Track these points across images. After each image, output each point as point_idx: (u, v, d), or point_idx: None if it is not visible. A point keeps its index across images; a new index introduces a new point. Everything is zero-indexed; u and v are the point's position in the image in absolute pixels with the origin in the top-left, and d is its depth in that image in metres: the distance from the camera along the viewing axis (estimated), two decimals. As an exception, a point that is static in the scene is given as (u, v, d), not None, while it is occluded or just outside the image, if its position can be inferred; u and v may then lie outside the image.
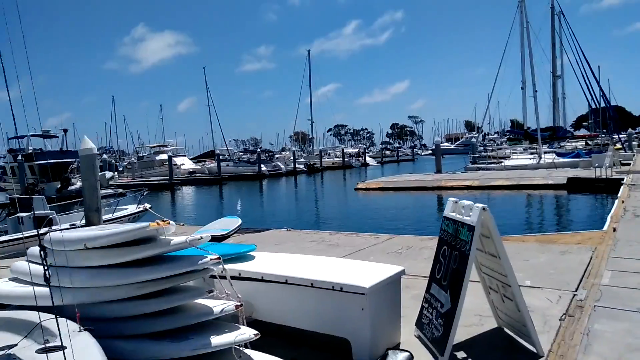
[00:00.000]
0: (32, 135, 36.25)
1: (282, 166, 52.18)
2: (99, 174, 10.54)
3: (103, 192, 33.04)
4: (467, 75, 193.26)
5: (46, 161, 33.12)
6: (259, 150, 53.09)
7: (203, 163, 57.32)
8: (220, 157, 54.65)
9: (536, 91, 31.17)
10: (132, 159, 54.43)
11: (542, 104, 60.69)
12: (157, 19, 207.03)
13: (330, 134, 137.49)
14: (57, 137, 36.18)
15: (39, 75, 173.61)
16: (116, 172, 51.58)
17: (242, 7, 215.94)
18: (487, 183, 21.26)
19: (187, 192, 37.16)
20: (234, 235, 9.54)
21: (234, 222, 10.62)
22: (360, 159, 66.39)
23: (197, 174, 51.03)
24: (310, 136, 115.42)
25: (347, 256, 6.87)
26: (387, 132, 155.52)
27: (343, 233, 9.10)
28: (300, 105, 67.63)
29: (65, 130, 36.16)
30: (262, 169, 48.95)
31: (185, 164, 55.13)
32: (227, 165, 52.13)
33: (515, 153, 33.33)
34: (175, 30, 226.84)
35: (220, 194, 35.12)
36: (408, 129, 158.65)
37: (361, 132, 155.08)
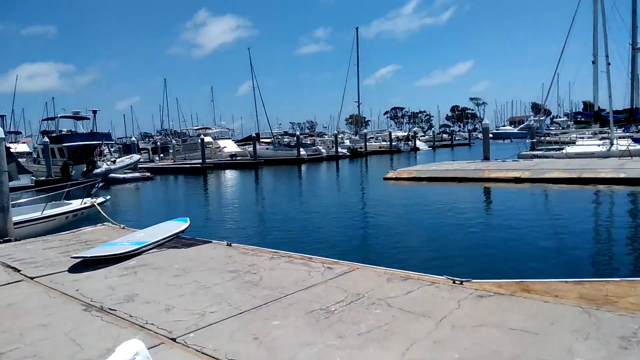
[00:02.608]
0: (63, 117, 36.13)
1: (323, 150, 49.50)
2: (6, 163, 8.39)
3: (130, 175, 32.31)
4: (535, 54, 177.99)
5: (75, 143, 32.56)
6: (297, 133, 50.51)
7: (246, 146, 55.85)
8: (267, 140, 53.06)
9: (609, 64, 26.13)
10: (173, 141, 53.81)
11: (619, 82, 53.23)
12: (218, 3, 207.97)
13: (387, 117, 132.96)
14: (88, 118, 35.68)
15: (111, 60, 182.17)
16: (160, 155, 51.29)
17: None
18: (539, 175, 17.46)
19: (218, 176, 35.44)
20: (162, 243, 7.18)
21: (175, 227, 8.33)
22: (410, 142, 62.24)
23: (239, 157, 49.55)
24: (366, 119, 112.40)
25: (244, 314, 4.19)
26: (447, 114, 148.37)
27: (291, 257, 6.33)
28: (348, 87, 64.44)
29: (94, 112, 35.55)
30: (301, 153, 46.54)
31: (228, 146, 53.78)
32: (267, 148, 50.26)
33: (582, 138, 28.53)
34: (236, 14, 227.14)
35: (256, 178, 33.11)
36: (469, 111, 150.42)
37: (419, 115, 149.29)
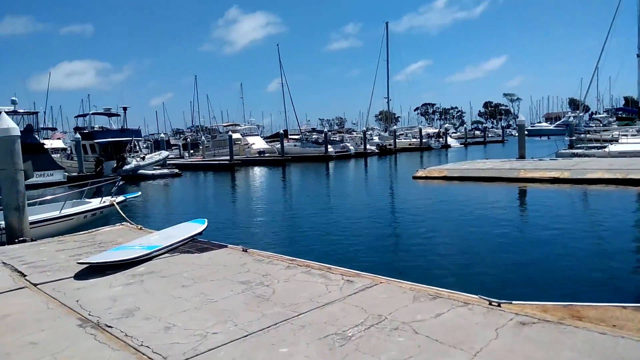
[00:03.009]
0: (94, 114, 36.75)
1: (351, 147, 48.83)
2: (21, 161, 8.19)
3: (159, 171, 32.53)
4: (572, 48, 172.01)
5: (106, 139, 33.02)
6: (325, 130, 49.94)
7: (275, 143, 55.75)
8: (295, 136, 52.78)
9: (658, 57, 24.46)
10: (202, 137, 54.18)
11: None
12: (249, 0, 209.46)
13: (417, 113, 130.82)
14: (119, 115, 36.13)
15: (145, 58, 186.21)
16: (190, 151, 51.73)
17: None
18: (580, 175, 16.39)
19: (245, 173, 35.33)
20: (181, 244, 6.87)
21: (191, 229, 8.01)
22: (441, 139, 60.80)
23: (267, 154, 49.47)
24: (396, 115, 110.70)
25: (249, 336, 3.72)
26: (479, 111, 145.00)
27: (309, 267, 5.85)
28: (378, 82, 63.41)
29: (125, 108, 35.96)
30: (329, 149, 46.02)
31: (256, 143, 53.81)
32: (295, 145, 49.98)
33: (626, 136, 26.90)
34: (266, 11, 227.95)
35: (283, 176, 32.80)
36: (502, 107, 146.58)
37: (450, 111, 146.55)
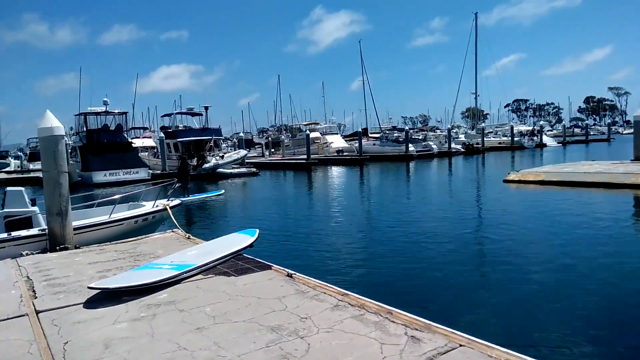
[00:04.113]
0: (178, 113, 37.88)
1: (434, 146, 46.14)
2: (66, 163, 7.63)
3: (237, 170, 32.72)
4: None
5: (188, 138, 33.82)
6: (406, 128, 47.60)
7: (354, 141, 54.49)
8: (376, 135, 51.20)
9: None
10: (282, 136, 54.35)
11: None
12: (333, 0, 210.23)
13: (508, 110, 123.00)
14: (201, 114, 36.87)
15: (235, 60, 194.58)
16: (272, 150, 52.17)
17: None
18: None
19: (321, 173, 34.45)
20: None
21: (237, 242, 7.03)
22: (535, 138, 55.67)
23: (345, 153, 48.42)
24: (484, 112, 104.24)
25: None
26: (579, 107, 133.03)
27: (363, 306, 4.46)
28: (465, 78, 59.58)
29: (206, 108, 36.62)
30: (410, 149, 43.83)
31: (335, 142, 52.94)
32: (374, 144, 48.34)
33: None
34: (351, 10, 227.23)
35: (359, 176, 31.46)
36: (607, 102, 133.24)
37: (546, 107, 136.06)
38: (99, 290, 4.99)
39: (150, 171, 31.36)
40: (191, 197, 20.66)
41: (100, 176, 28.31)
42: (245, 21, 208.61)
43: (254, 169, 33.58)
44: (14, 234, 7.73)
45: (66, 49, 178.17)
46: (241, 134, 44.35)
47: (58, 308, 4.74)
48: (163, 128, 37.83)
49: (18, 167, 51.44)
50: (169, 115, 37.98)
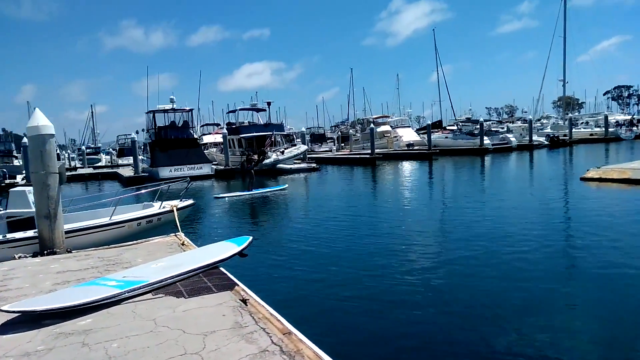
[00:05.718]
0: (241, 109, 38.22)
1: (513, 139, 42.50)
2: (55, 164, 7.24)
3: (297, 165, 32.34)
4: None
5: (250, 134, 33.97)
6: (481, 119, 44.20)
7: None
8: (452, 127, 48.48)
9: None
10: (350, 130, 53.23)
11: None
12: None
13: (608, 98, 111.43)
14: (265, 110, 36.88)
15: (314, 55, 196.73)
16: (341, 144, 51.31)
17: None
18: None
19: (385, 168, 32.90)
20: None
21: (220, 251, 6.34)
22: (635, 128, 49.43)
23: (416, 147, 46.34)
24: (579, 101, 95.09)
25: None
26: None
27: (298, 352, 3.39)
28: (552, 63, 54.36)
29: (269, 103, 36.53)
30: (485, 142, 40.72)
31: (406, 135, 50.90)
32: (446, 137, 45.68)
33: None
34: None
35: (426, 172, 29.48)
36: None
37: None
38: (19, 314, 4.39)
39: (214, 167, 31.89)
40: (255, 192, 20.49)
41: (166, 172, 29.18)
42: (325, 16, 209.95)
43: (314, 165, 32.94)
44: (9, 235, 7.55)
45: (159, 52, 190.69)
46: (303, 129, 43.90)
47: (-34, 331, 4.20)
48: (229, 124, 38.44)
49: (108, 162, 55.75)
50: (233, 111, 38.49)
